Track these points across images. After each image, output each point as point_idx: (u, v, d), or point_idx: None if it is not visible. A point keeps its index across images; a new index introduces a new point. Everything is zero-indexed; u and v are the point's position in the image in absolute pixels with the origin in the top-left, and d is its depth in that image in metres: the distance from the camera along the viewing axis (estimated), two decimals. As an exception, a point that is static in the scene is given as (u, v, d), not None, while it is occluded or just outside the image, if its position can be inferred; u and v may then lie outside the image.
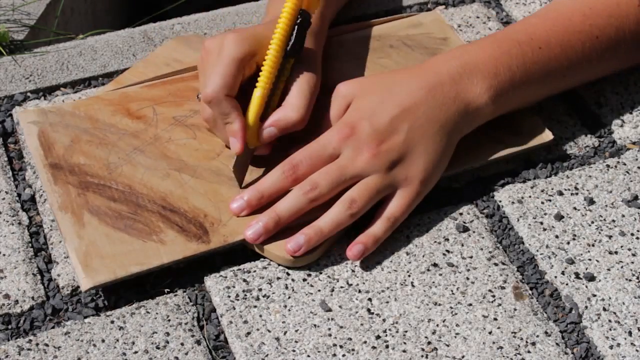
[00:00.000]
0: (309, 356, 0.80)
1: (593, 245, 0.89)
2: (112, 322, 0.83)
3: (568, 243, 0.89)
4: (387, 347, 0.81)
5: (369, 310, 0.84)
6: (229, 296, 0.84)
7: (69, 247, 0.85)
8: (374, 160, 0.87)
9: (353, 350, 0.81)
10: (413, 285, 0.85)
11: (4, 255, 0.88)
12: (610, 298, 0.85)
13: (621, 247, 0.89)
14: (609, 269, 0.87)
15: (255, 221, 0.86)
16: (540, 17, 0.97)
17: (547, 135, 0.95)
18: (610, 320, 0.83)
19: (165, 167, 0.92)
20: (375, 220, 0.88)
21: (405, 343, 0.81)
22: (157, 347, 0.81)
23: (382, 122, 0.88)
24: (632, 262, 0.87)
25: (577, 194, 0.93)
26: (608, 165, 0.95)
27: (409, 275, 0.86)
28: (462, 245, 0.89)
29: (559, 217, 0.90)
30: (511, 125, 0.96)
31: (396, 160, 0.88)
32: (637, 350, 0.81)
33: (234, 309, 0.84)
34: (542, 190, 0.93)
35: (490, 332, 0.82)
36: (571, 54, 0.95)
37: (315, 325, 0.83)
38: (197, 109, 0.97)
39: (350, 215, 0.86)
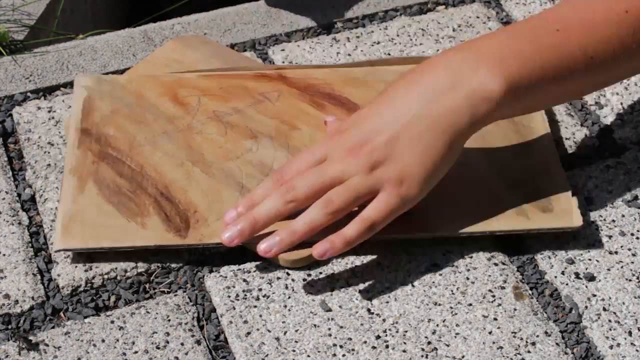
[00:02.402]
0: (309, 356, 0.80)
1: (593, 245, 0.89)
2: (112, 322, 0.83)
3: (568, 243, 0.89)
4: (387, 347, 0.81)
5: (369, 310, 0.84)
6: (229, 296, 0.84)
7: (60, 207, 0.88)
8: (355, 160, 0.82)
9: (353, 350, 0.81)
10: (413, 285, 0.85)
11: (4, 255, 0.88)
12: (610, 298, 0.85)
13: (621, 247, 0.89)
14: (609, 269, 0.87)
15: (233, 224, 0.84)
16: (562, 5, 0.86)
17: (576, 220, 0.87)
18: (610, 320, 0.83)
19: (183, 157, 0.93)
20: (347, 221, 0.83)
21: (405, 343, 0.81)
22: (157, 347, 0.81)
23: (369, 125, 0.83)
24: (632, 262, 0.87)
25: (577, 193, 0.93)
26: (608, 165, 0.95)
27: (409, 275, 0.86)
28: (462, 245, 0.89)
29: (559, 217, 0.90)
30: (541, 199, 0.88)
31: (378, 162, 0.82)
32: (637, 350, 0.81)
33: (234, 309, 0.84)
34: (542, 190, 0.93)
35: (490, 332, 0.82)
36: (598, 39, 0.82)
37: (315, 325, 0.83)
38: (240, 108, 0.97)
39: (326, 214, 0.82)
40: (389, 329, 0.82)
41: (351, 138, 0.84)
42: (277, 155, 0.93)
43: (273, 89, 0.99)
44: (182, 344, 0.81)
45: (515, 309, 0.84)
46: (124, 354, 0.81)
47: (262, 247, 0.83)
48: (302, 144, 0.93)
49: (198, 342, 0.82)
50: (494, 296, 0.85)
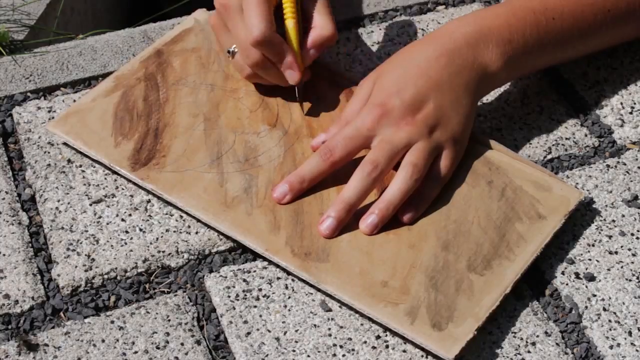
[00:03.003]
0: (309, 356, 0.80)
1: (593, 245, 0.89)
2: (112, 322, 0.83)
3: (568, 243, 0.89)
4: (387, 347, 0.81)
5: (369, 310, 0.84)
6: (229, 296, 0.84)
7: (81, 98, 0.96)
8: (415, 129, 0.89)
9: (353, 350, 0.81)
10: (413, 285, 0.85)
11: (4, 255, 0.88)
12: (610, 298, 0.85)
13: (621, 247, 0.89)
14: (609, 269, 0.87)
15: (327, 216, 0.87)
16: None
17: (579, 194, 0.89)
18: (610, 320, 0.83)
19: (204, 110, 0.96)
20: (425, 183, 0.89)
21: (405, 343, 0.81)
22: (157, 347, 0.81)
23: (410, 94, 0.90)
24: (632, 262, 0.87)
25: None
26: (608, 165, 0.95)
27: (409, 275, 0.86)
28: (462, 245, 0.89)
29: (559, 217, 0.90)
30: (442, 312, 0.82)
31: (434, 126, 0.89)
32: (637, 350, 0.81)
33: (234, 309, 0.84)
34: (542, 190, 0.93)
35: (490, 332, 0.82)
36: (583, 25, 0.97)
37: (315, 325, 0.83)
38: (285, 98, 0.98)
39: (415, 180, 0.88)
40: (389, 329, 0.82)
41: (398, 109, 0.89)
42: (274, 150, 0.93)
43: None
44: (182, 344, 0.81)
45: (515, 309, 0.84)
46: (124, 354, 0.81)
47: (366, 228, 0.87)
48: (304, 150, 0.94)
49: (198, 342, 0.82)
50: (494, 296, 0.85)
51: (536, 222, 0.87)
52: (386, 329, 0.82)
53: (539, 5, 0.95)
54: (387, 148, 0.88)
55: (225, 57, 0.99)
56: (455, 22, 0.95)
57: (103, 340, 0.82)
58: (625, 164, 0.96)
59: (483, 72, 0.92)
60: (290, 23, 0.94)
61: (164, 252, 0.88)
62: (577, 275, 0.86)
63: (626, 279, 0.86)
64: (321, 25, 0.95)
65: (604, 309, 0.84)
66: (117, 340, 0.82)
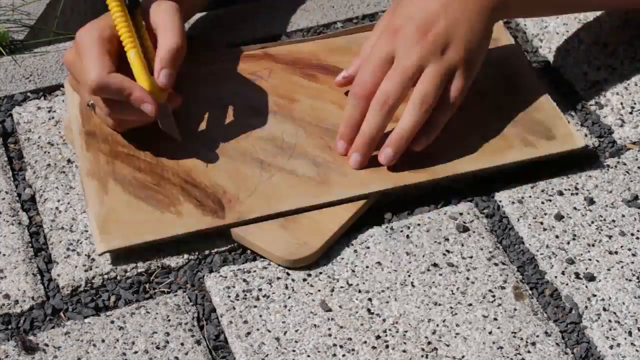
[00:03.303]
0: (309, 356, 0.80)
1: (593, 245, 0.89)
2: (112, 322, 0.83)
3: (568, 243, 0.89)
4: (387, 347, 0.81)
5: (369, 310, 0.84)
6: (229, 296, 0.84)
7: (90, 212, 0.88)
8: (425, 49, 0.90)
9: (353, 350, 0.81)
10: (413, 285, 0.85)
11: (4, 255, 0.88)
12: (610, 298, 0.85)
13: (621, 247, 0.89)
14: (609, 269, 0.87)
15: (352, 151, 0.91)
16: None
17: (579, 141, 0.94)
18: (610, 320, 0.83)
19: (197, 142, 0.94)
20: (436, 108, 0.90)
21: (405, 343, 0.81)
22: (157, 347, 0.81)
23: (422, 15, 0.91)
24: (632, 262, 0.87)
25: (577, 194, 0.93)
26: (608, 165, 0.95)
27: (409, 275, 0.86)
28: (462, 245, 0.89)
29: (559, 217, 0.90)
30: (542, 128, 0.95)
31: (445, 44, 0.90)
32: (637, 351, 0.81)
33: (234, 309, 0.84)
34: (542, 190, 0.93)
35: (490, 332, 0.82)
36: None
37: (315, 325, 0.83)
38: (236, 90, 0.98)
39: (426, 112, 0.89)
40: (389, 329, 0.82)
41: (412, 30, 0.90)
42: (285, 128, 0.95)
43: (263, 67, 1.01)
44: (182, 344, 0.81)
45: (515, 309, 0.84)
46: (124, 354, 0.81)
47: (383, 160, 0.90)
48: (306, 114, 0.96)
49: (198, 342, 0.82)
50: (494, 296, 0.85)
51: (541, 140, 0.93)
52: (386, 329, 0.82)
53: None
54: (397, 77, 0.90)
55: (86, 110, 0.93)
56: None
57: (103, 340, 0.82)
58: (625, 164, 0.96)
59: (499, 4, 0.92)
60: (131, 54, 0.89)
61: (163, 252, 0.88)
62: (577, 275, 0.86)
63: (626, 279, 0.86)
64: (165, 40, 0.90)
65: (604, 309, 0.84)
66: (117, 340, 0.82)
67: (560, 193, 0.93)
